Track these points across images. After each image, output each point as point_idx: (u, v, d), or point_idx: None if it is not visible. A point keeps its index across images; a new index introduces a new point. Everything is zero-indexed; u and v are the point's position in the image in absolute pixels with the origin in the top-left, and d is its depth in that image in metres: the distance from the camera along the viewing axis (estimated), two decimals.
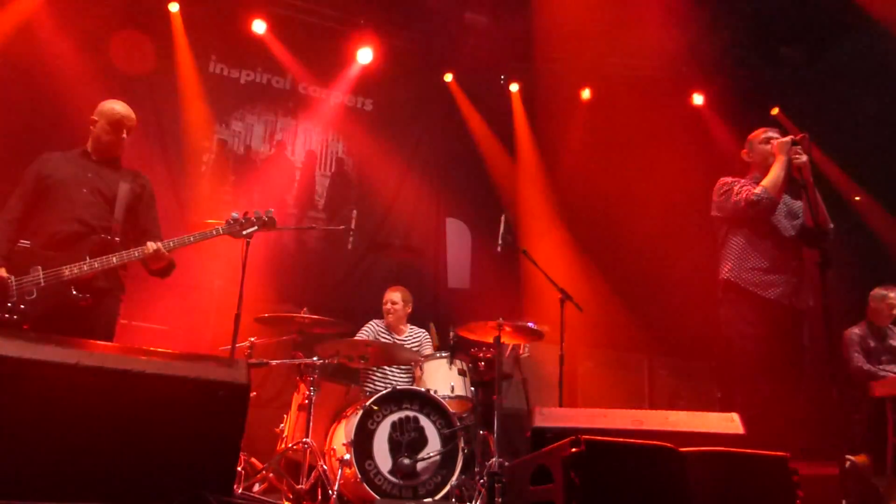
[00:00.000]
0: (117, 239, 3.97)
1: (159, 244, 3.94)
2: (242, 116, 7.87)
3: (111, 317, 4.10)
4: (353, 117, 8.32)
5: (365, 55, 7.97)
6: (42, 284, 3.73)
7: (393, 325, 6.00)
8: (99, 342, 3.30)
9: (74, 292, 3.78)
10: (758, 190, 4.23)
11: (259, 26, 7.60)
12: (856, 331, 6.26)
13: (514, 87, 8.69)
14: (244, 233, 4.19)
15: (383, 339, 5.87)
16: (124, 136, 4.15)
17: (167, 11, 7.31)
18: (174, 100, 7.41)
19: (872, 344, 6.19)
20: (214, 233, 4.10)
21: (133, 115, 4.20)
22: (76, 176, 4.04)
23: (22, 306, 3.69)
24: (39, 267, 3.76)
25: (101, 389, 2.24)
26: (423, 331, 6.16)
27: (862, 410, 5.88)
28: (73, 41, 6.69)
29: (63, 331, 3.59)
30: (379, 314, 6.14)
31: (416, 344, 5.99)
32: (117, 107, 4.15)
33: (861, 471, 4.67)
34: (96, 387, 2.23)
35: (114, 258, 3.86)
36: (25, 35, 6.55)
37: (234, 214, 4.18)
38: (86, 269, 3.81)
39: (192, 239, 4.04)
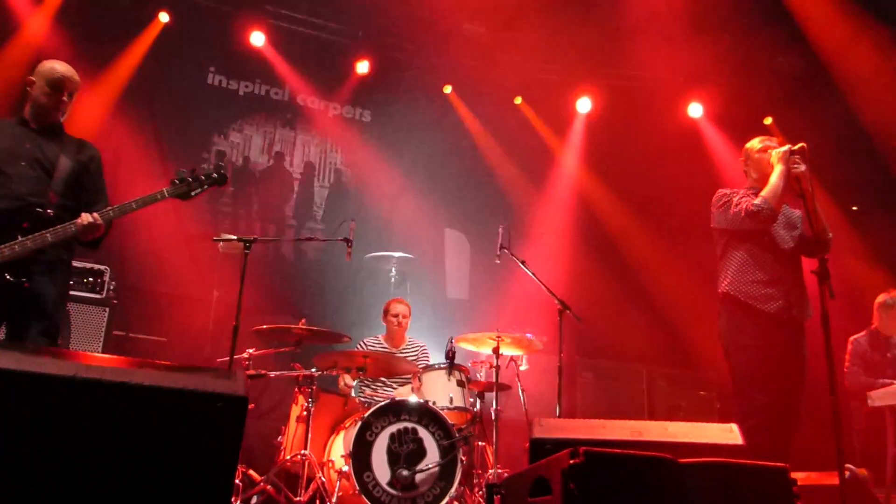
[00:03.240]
0: (50, 212, 3.54)
1: (95, 214, 3.54)
2: (241, 128, 7.90)
3: (56, 302, 3.62)
4: (352, 128, 8.34)
5: (363, 67, 8.00)
6: None
7: (395, 337, 5.98)
8: (96, 355, 3.28)
9: (9, 277, 3.36)
10: (757, 200, 4.22)
11: (258, 38, 7.63)
12: (860, 340, 6.11)
13: (517, 100, 8.71)
14: (192, 194, 3.78)
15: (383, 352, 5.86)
16: (65, 98, 3.69)
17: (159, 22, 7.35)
18: (172, 110, 7.44)
19: (876, 357, 6.06)
20: (159, 196, 3.70)
21: (77, 77, 3.75)
22: (11, 147, 3.59)
23: None
24: None
25: (98, 402, 2.23)
26: (422, 343, 6.15)
27: (863, 421, 5.85)
28: (70, 47, 6.71)
29: (9, 326, 3.44)
30: (380, 327, 6.12)
31: (414, 357, 5.98)
32: (57, 66, 3.70)
33: (861, 481, 4.65)
34: (93, 399, 2.22)
35: (48, 235, 3.43)
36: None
37: (181, 172, 3.78)
38: (17, 249, 3.37)
39: (133, 206, 3.64)
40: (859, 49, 6.72)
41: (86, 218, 3.53)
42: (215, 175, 3.81)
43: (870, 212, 7.70)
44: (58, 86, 3.67)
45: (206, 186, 3.78)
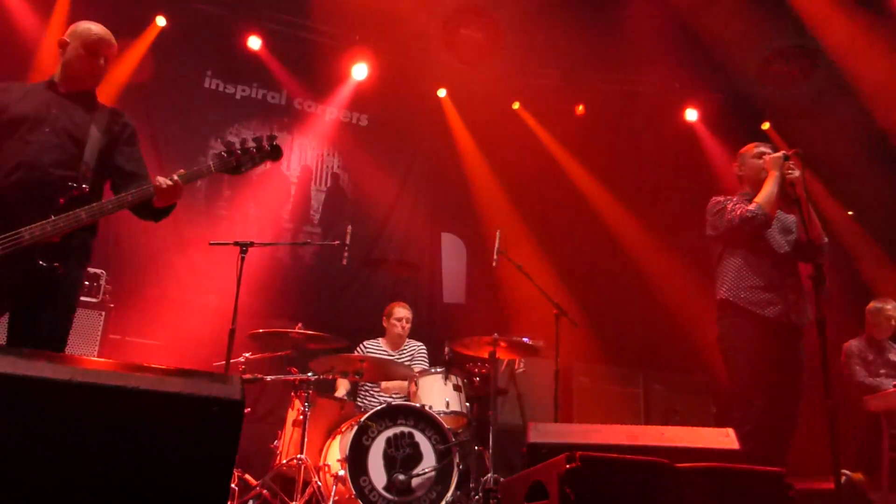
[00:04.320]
0: (85, 188, 3.20)
1: (173, 176, 3.22)
2: (238, 132, 7.88)
3: (72, 288, 3.29)
4: (349, 132, 8.34)
5: (360, 71, 8.01)
6: None
7: (396, 341, 5.98)
8: (91, 359, 3.24)
9: (42, 263, 3.00)
10: (752, 206, 4.23)
11: (254, 42, 7.63)
12: (855, 343, 6.27)
13: (515, 105, 8.72)
14: (242, 169, 3.45)
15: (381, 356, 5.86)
16: (101, 63, 3.38)
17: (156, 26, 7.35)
18: (169, 114, 7.43)
19: (871, 357, 6.20)
20: (205, 171, 3.39)
21: (114, 41, 3.44)
22: (36, 112, 3.23)
23: None
24: None
25: (93, 406, 2.23)
26: (420, 343, 6.14)
27: (858, 425, 5.88)
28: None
29: (20, 311, 3.11)
30: (376, 331, 6.12)
31: (409, 357, 5.98)
32: (94, 27, 3.38)
33: (857, 486, 4.65)
34: (88, 403, 2.22)
35: (83, 213, 3.06)
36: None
37: (230, 142, 3.41)
38: (49, 229, 2.98)
39: (183, 178, 3.28)
40: (872, 51, 6.70)
41: (163, 181, 3.19)
42: (268, 148, 3.46)
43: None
44: (95, 49, 3.35)
45: (258, 162, 3.45)
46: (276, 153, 3.51)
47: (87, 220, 3.10)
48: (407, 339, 6.09)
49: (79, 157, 3.24)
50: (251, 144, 3.42)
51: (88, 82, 3.42)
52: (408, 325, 5.98)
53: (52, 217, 3.02)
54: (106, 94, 6.98)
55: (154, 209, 3.34)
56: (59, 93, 3.34)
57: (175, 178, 3.23)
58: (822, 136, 7.13)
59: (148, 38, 7.28)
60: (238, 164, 3.39)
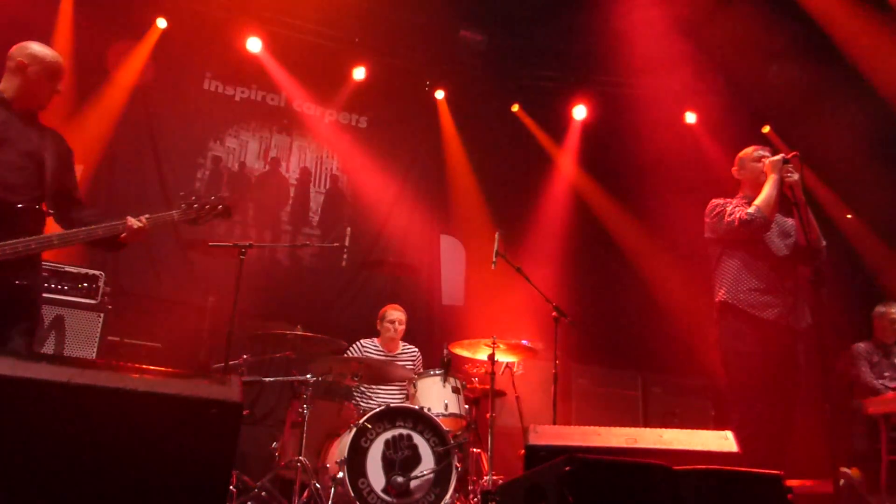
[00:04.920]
0: (51, 211, 3.39)
1: (143, 219, 3.47)
2: (237, 133, 7.89)
3: (38, 300, 3.45)
4: (348, 134, 8.34)
5: (359, 73, 8.02)
6: None
7: (390, 343, 5.98)
8: (90, 360, 3.25)
9: (18, 281, 3.17)
10: (751, 209, 4.24)
11: (254, 44, 7.63)
12: (863, 346, 6.26)
13: (514, 108, 8.72)
14: (199, 223, 3.78)
15: (378, 357, 5.86)
16: (59, 89, 3.50)
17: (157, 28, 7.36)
18: (169, 116, 7.44)
19: (876, 360, 6.19)
20: (167, 218, 3.66)
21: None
22: (2, 132, 3.31)
23: None
24: None
25: (91, 408, 2.23)
26: (415, 349, 6.15)
27: (858, 427, 5.89)
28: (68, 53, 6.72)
29: None
30: (373, 332, 6.12)
31: (410, 363, 5.98)
32: (53, 54, 3.48)
33: (855, 488, 4.66)
34: (87, 405, 2.22)
35: (55, 239, 3.27)
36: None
37: (189, 198, 3.73)
38: (21, 248, 3.12)
39: (148, 221, 3.54)
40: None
41: (134, 222, 3.45)
42: (221, 208, 3.80)
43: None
44: (57, 76, 3.48)
45: (211, 219, 3.78)
46: (227, 214, 3.84)
47: (58, 244, 3.34)
48: (402, 343, 6.09)
49: (41, 179, 3.36)
50: (209, 204, 3.74)
51: (42, 105, 3.50)
52: (401, 327, 5.98)
53: (24, 238, 3.15)
54: (114, 98, 7.03)
55: (116, 243, 3.53)
56: (12, 111, 3.39)
57: (144, 220, 3.49)
58: (823, 138, 7.14)
59: (150, 40, 7.29)
60: (196, 217, 3.72)
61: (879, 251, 7.67)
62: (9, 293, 3.19)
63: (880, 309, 6.32)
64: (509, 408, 6.26)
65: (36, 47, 3.47)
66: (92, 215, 3.55)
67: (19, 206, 3.23)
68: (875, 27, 6.60)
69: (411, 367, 5.92)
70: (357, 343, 5.99)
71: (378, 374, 5.30)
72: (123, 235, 3.46)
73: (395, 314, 6.00)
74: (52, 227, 3.47)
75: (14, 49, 3.45)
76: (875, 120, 7.24)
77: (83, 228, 3.37)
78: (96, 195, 6.70)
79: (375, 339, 6.07)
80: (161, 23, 7.31)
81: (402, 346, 6.08)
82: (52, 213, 3.50)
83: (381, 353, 5.93)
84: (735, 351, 4.32)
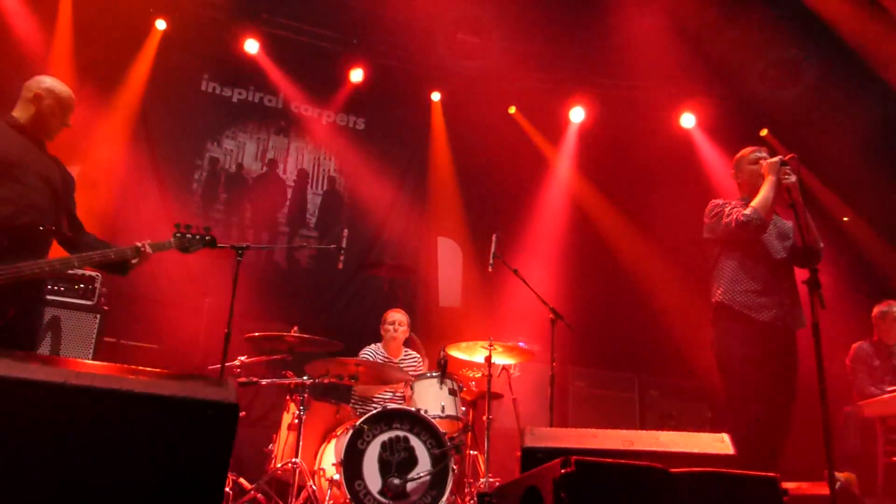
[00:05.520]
0: (70, 234, 3.61)
1: (146, 244, 3.71)
2: (234, 135, 7.89)
3: (34, 332, 3.61)
4: (345, 136, 8.35)
5: (357, 75, 8.02)
6: None
7: (392, 346, 5.96)
8: (86, 362, 3.26)
9: (40, 296, 3.42)
10: (748, 211, 4.24)
11: (252, 46, 7.64)
12: (864, 346, 6.14)
13: (511, 110, 8.73)
14: (191, 250, 4.02)
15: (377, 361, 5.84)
16: (69, 123, 3.74)
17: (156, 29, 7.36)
18: (166, 117, 7.43)
19: (877, 363, 6.09)
20: (166, 245, 3.89)
21: None
22: (21, 156, 3.48)
23: None
24: None
25: (88, 409, 2.22)
26: (417, 354, 6.14)
27: (854, 429, 5.86)
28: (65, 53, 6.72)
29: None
30: (371, 335, 6.11)
31: (413, 370, 5.96)
32: (67, 90, 3.71)
33: (851, 491, 4.66)
34: (83, 406, 2.21)
35: (75, 260, 3.47)
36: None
37: (182, 228, 3.99)
38: (47, 269, 3.32)
39: (150, 250, 3.80)
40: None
41: (148, 248, 3.70)
42: (209, 239, 4.03)
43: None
44: (69, 110, 3.71)
45: (200, 248, 4.00)
46: (213, 244, 4.08)
47: (78, 266, 3.53)
48: (405, 349, 6.07)
49: (58, 203, 3.59)
50: (199, 234, 4.01)
51: (51, 136, 3.71)
52: (401, 328, 5.96)
53: (48, 259, 3.37)
54: (127, 103, 7.04)
55: (124, 267, 3.77)
56: (28, 137, 3.59)
57: (147, 246, 3.73)
58: (822, 139, 7.15)
59: (153, 44, 7.29)
60: (189, 245, 3.96)
61: (879, 249, 7.67)
62: (35, 308, 3.47)
63: (882, 309, 6.17)
64: (506, 410, 6.26)
65: (52, 82, 3.69)
66: (94, 239, 3.77)
67: (51, 228, 3.46)
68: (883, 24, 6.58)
69: (413, 372, 5.91)
70: (370, 347, 5.97)
71: (375, 376, 5.30)
72: (134, 261, 3.71)
73: (395, 315, 6.00)
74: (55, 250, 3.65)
75: (32, 81, 3.67)
76: (876, 119, 7.25)
77: (98, 252, 3.57)
78: (93, 196, 6.68)
79: (380, 344, 6.06)
80: (160, 24, 7.30)
81: (405, 352, 6.06)
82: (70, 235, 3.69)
83: (385, 358, 5.91)
84: (730, 353, 4.32)
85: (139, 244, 3.70)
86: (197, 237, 4.00)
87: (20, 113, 3.61)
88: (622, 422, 7.09)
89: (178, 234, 3.95)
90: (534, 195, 8.71)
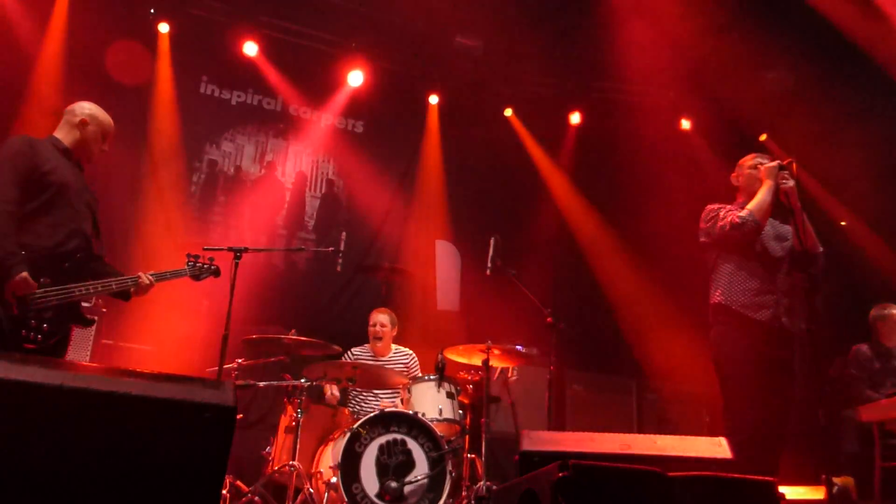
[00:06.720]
0: (106, 260, 3.76)
1: (150, 276, 3.81)
2: (233, 137, 7.89)
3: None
4: (344, 139, 8.35)
5: (356, 78, 8.03)
6: (54, 303, 3.32)
7: (379, 348, 5.96)
8: (83, 363, 3.27)
9: (89, 317, 3.58)
10: (743, 213, 4.26)
11: (251, 48, 7.64)
12: (864, 350, 6.01)
13: (507, 112, 8.74)
14: (201, 277, 4.24)
15: (371, 362, 5.84)
16: (106, 149, 3.91)
17: (157, 32, 7.36)
18: (165, 119, 7.43)
19: (877, 366, 6.03)
20: (181, 272, 4.11)
21: None
22: (72, 181, 3.61)
23: (45, 326, 3.30)
24: (48, 280, 3.34)
25: (84, 411, 2.22)
26: (409, 351, 6.12)
27: (851, 433, 5.85)
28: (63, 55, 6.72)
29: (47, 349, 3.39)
30: (366, 337, 6.10)
31: (403, 365, 5.96)
32: (109, 120, 3.90)
33: (849, 495, 4.66)
34: (80, 408, 2.21)
35: (113, 283, 3.61)
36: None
37: (193, 257, 4.20)
38: (91, 291, 3.50)
39: (168, 275, 4.01)
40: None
41: (146, 279, 3.78)
42: (214, 268, 4.25)
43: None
44: (108, 137, 3.88)
45: (207, 276, 4.23)
46: (217, 273, 4.30)
47: (116, 288, 3.65)
48: (394, 346, 6.06)
49: (97, 227, 3.75)
50: (206, 263, 4.22)
51: (91, 160, 3.86)
52: (383, 329, 5.93)
53: (91, 281, 3.53)
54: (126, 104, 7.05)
55: (125, 296, 3.86)
56: (72, 161, 3.72)
57: (151, 278, 3.82)
58: (821, 140, 7.16)
59: (162, 47, 7.32)
60: (200, 273, 4.18)
61: (878, 251, 7.66)
62: (68, 336, 3.60)
63: (881, 312, 6.05)
64: (504, 413, 6.25)
65: (95, 108, 3.85)
66: (104, 265, 3.81)
67: (85, 251, 3.60)
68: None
69: (403, 369, 5.91)
70: (348, 352, 5.96)
71: (372, 379, 5.29)
72: (133, 291, 3.80)
73: (377, 317, 5.98)
74: None
75: (76, 106, 3.81)
76: (879, 123, 7.26)
77: (101, 281, 3.63)
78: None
79: (366, 346, 6.05)
80: (163, 27, 7.31)
81: (395, 350, 6.05)
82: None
83: (372, 359, 5.91)
84: (728, 358, 4.32)
85: (139, 275, 3.80)
86: (205, 266, 4.22)
87: (64, 136, 3.73)
88: (620, 425, 7.08)
89: (190, 264, 4.16)
90: (532, 198, 8.71)
